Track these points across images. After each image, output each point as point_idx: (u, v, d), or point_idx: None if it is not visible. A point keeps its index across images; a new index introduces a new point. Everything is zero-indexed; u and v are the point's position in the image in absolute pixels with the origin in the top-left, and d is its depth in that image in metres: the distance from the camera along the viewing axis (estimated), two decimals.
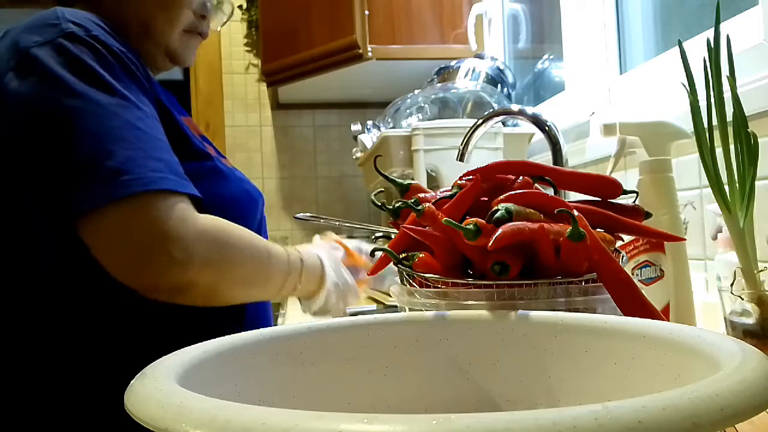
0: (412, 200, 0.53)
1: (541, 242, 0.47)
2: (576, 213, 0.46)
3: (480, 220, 0.47)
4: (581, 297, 0.47)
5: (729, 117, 0.61)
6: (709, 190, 0.62)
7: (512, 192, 0.52)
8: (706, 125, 0.62)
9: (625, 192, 0.58)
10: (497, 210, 0.48)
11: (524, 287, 0.46)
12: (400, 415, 0.20)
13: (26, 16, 0.80)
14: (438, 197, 0.54)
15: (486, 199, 0.55)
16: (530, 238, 0.46)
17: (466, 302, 0.46)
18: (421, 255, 0.51)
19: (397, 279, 0.54)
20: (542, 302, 0.46)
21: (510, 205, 0.48)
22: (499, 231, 0.45)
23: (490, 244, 0.44)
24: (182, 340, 0.42)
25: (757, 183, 0.60)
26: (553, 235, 0.47)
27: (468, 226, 0.46)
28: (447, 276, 0.50)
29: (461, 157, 1.27)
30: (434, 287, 0.50)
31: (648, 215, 0.57)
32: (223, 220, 0.80)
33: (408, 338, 0.44)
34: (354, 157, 1.95)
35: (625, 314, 0.46)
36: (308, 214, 0.98)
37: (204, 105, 2.59)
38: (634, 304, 0.46)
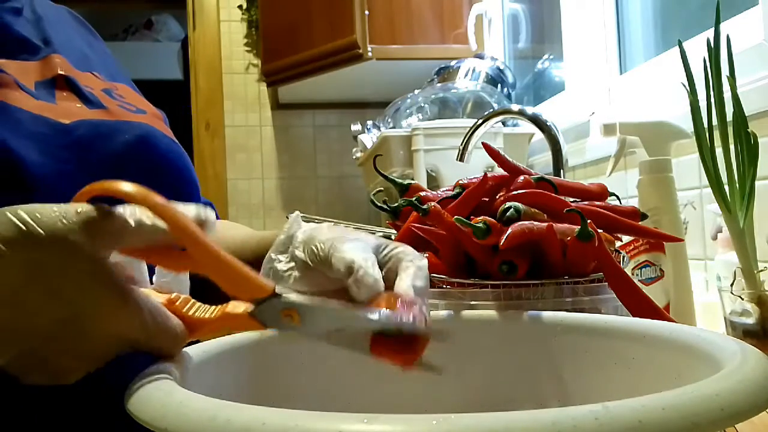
0: (415, 198, 0.53)
1: (550, 242, 0.46)
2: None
3: (489, 218, 0.46)
4: (587, 297, 0.47)
5: (729, 117, 0.61)
6: (709, 190, 0.62)
7: (517, 192, 0.52)
8: (706, 125, 0.62)
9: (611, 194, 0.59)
10: (507, 209, 0.48)
11: (531, 287, 0.46)
12: (400, 415, 0.20)
13: None
14: (441, 197, 0.54)
15: (487, 199, 0.54)
16: (539, 237, 0.46)
17: (472, 302, 0.46)
18: (425, 255, 0.51)
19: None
20: (548, 302, 0.46)
21: (519, 204, 0.48)
22: (510, 230, 0.45)
23: (501, 243, 0.44)
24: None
25: (757, 183, 0.60)
26: (560, 235, 0.47)
27: (478, 225, 0.46)
28: (451, 276, 0.50)
29: (461, 157, 1.27)
30: (439, 287, 0.49)
31: (644, 217, 0.57)
32: None
33: None
34: (354, 157, 1.95)
35: (633, 314, 0.46)
36: (300, 215, 0.96)
37: (204, 105, 2.59)
38: (641, 304, 0.46)
